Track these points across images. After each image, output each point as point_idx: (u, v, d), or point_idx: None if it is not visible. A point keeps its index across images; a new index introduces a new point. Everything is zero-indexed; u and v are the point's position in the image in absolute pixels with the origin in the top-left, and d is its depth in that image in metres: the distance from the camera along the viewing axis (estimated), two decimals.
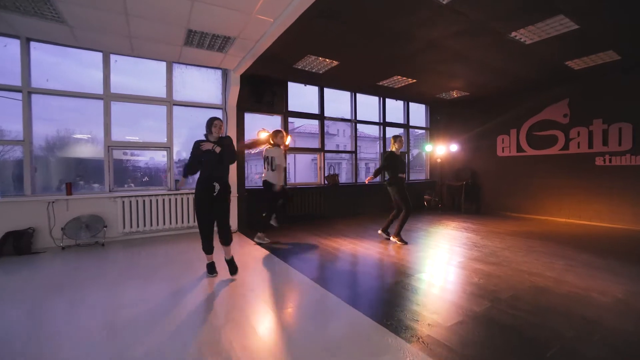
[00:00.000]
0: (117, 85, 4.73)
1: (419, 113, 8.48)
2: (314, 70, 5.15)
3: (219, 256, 3.12)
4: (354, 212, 6.92)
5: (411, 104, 8.10)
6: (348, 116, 7.21)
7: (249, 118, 5.95)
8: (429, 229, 5.40)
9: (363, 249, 4.04)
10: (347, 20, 3.45)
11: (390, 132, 7.92)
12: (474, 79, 5.66)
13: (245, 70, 4.96)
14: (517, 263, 3.35)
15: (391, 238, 4.40)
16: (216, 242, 3.02)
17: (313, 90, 6.69)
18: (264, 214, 4.53)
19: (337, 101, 7.43)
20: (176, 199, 5.00)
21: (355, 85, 6.50)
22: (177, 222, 5.00)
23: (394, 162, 4.28)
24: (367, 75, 5.53)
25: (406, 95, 7.40)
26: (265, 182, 4.40)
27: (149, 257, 3.80)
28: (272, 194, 4.39)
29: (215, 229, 2.99)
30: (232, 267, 3.03)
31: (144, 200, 4.77)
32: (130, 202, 4.68)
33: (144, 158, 5.36)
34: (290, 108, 6.31)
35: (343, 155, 8.24)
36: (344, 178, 7.70)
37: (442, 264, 3.39)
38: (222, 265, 3.09)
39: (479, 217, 6.59)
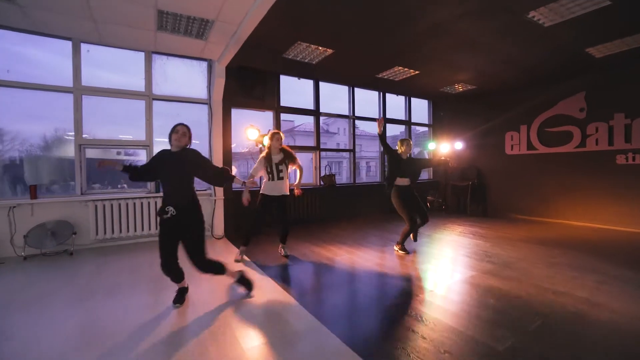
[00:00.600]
0: (95, 78, 4.29)
1: (421, 109, 7.99)
2: (306, 60, 4.68)
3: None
4: (352, 215, 6.45)
5: (413, 100, 7.62)
6: (346, 113, 6.75)
7: (238, 114, 5.49)
8: (433, 234, 4.93)
9: (361, 260, 3.57)
10: None
11: (391, 129, 7.45)
12: (483, 69, 5.17)
13: (231, 62, 4.50)
14: (538, 278, 2.88)
15: (394, 247, 3.95)
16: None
17: (308, 85, 6.23)
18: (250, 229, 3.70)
19: (335, 98, 6.98)
20: (156, 202, 4.56)
21: (352, 77, 6.02)
22: (157, 228, 4.56)
23: (393, 164, 3.80)
24: (366, 65, 5.05)
25: (408, 90, 6.92)
26: (284, 197, 3.58)
27: (123, 268, 3.36)
28: (285, 209, 3.66)
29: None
30: (247, 284, 2.61)
31: (119, 204, 4.33)
32: (104, 205, 4.24)
33: (141, 158, 4.89)
34: (284, 103, 5.85)
35: (344, 154, 7.78)
36: (344, 178, 7.25)
37: (450, 279, 2.91)
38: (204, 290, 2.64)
39: (487, 220, 6.11)
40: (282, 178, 3.48)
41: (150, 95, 4.66)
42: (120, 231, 4.34)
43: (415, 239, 4.06)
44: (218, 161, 4.94)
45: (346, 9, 3.23)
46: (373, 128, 7.74)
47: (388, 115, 7.22)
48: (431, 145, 7.53)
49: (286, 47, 4.16)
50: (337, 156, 18.97)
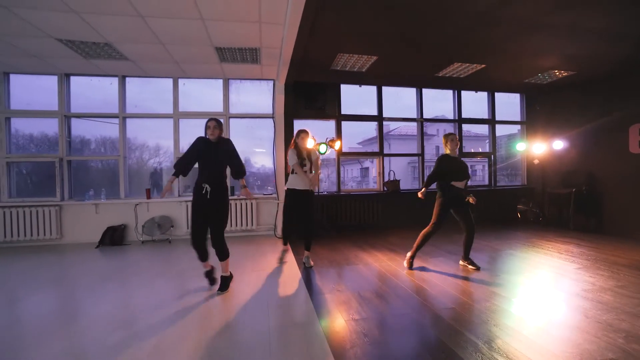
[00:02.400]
0: (194, 104, 5.53)
1: (510, 105, 6.91)
2: (355, 69, 4.80)
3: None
4: (418, 223, 6.08)
5: (498, 95, 6.67)
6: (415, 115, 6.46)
7: (302, 125, 5.97)
8: (520, 252, 4.10)
9: (419, 278, 3.16)
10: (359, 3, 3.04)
11: (467, 130, 6.70)
12: (574, 51, 4.19)
13: (288, 78, 5.02)
14: None
15: (460, 262, 3.54)
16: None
17: (372, 90, 6.25)
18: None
19: (404, 98, 6.75)
20: (240, 204, 5.41)
21: (412, 79, 5.75)
22: (238, 225, 5.41)
23: (445, 167, 3.40)
24: (418, 67, 4.80)
25: (485, 85, 6.13)
26: (311, 193, 3.62)
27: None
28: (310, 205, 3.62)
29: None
30: (222, 285, 2.84)
31: None
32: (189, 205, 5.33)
33: (257, 165, 6.10)
34: (348, 111, 6.06)
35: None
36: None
37: (544, 322, 2.17)
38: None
39: (598, 239, 4.82)
40: (305, 172, 3.54)
41: (227, 114, 5.61)
42: None
43: (411, 265, 3.45)
44: (281, 170, 5.49)
45: (378, 15, 3.24)
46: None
47: (469, 114, 6.56)
48: (520, 146, 6.42)
49: (330, 60, 4.39)
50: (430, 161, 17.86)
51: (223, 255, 2.81)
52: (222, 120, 2.96)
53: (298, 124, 5.92)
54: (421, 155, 6.51)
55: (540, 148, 6.24)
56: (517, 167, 7.22)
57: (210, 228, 2.77)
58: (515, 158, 7.10)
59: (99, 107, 5.27)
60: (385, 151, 6.54)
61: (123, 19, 3.09)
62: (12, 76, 5.06)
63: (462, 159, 3.61)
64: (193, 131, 5.54)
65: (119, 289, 3.02)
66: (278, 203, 5.50)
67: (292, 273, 3.41)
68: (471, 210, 3.44)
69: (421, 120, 6.46)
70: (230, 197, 2.91)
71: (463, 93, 6.55)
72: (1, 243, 4.85)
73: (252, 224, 5.51)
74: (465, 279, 3.09)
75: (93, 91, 5.30)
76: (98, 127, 5.37)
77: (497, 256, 3.94)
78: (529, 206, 6.35)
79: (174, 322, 2.28)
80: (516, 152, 6.68)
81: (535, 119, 6.72)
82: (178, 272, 3.50)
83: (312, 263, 3.64)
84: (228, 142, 2.89)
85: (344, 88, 6.07)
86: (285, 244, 3.85)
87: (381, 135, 6.35)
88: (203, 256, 2.84)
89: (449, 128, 7.03)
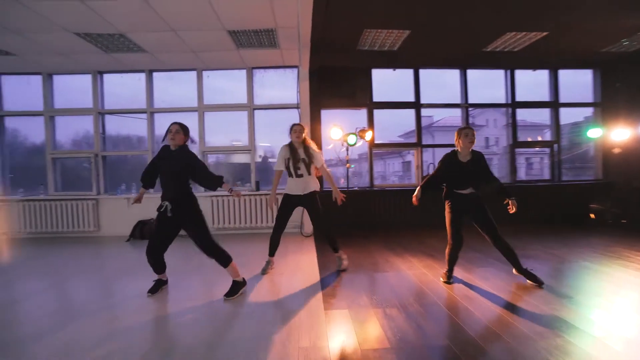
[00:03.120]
0: (220, 97, 5.40)
1: (577, 86, 5.77)
2: (386, 48, 4.22)
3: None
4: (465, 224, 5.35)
5: (563, 73, 5.60)
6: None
7: (331, 115, 5.55)
8: (597, 265, 3.18)
9: (461, 294, 2.53)
10: None
11: (523, 115, 5.73)
12: None
13: (313, 64, 4.62)
14: None
15: (514, 271, 2.74)
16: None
17: (408, 74, 5.59)
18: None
19: (446, 85, 5.98)
20: (259, 200, 5.19)
21: (452, 59, 4.99)
22: (257, 222, 5.20)
23: (444, 170, 2.74)
24: (457, 41, 4.06)
25: (546, 60, 5.13)
26: (311, 196, 3.13)
27: (234, 254, 4.02)
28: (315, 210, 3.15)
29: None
30: (231, 290, 2.54)
31: (228, 200, 5.20)
32: (218, 201, 5.20)
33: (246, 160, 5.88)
34: (382, 98, 5.49)
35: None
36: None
37: None
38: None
39: None
40: (301, 175, 3.01)
41: (252, 105, 5.36)
42: (231, 222, 5.20)
43: (449, 278, 2.78)
44: None
45: None
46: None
47: (526, 97, 5.61)
48: (594, 132, 5.30)
49: (355, 38, 3.87)
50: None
51: (223, 261, 2.51)
52: (186, 125, 2.58)
53: (326, 114, 5.50)
54: None
55: (622, 134, 5.09)
56: (585, 158, 6.05)
57: (193, 239, 2.50)
58: (582, 148, 5.95)
59: (129, 104, 5.34)
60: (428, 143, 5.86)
61: (128, 3, 2.91)
62: (54, 77, 5.32)
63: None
64: (220, 124, 5.43)
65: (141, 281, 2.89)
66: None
67: (311, 277, 3.02)
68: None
69: (465, 106, 5.65)
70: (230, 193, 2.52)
71: (517, 74, 5.59)
72: (47, 233, 5.16)
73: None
74: (523, 298, 2.45)
75: (123, 88, 5.39)
76: (129, 123, 5.46)
77: (564, 269, 3.15)
78: (607, 205, 5.24)
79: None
80: (586, 140, 5.57)
81: (614, 99, 5.51)
82: (193, 270, 3.31)
83: (344, 265, 3.17)
84: (190, 156, 2.47)
85: (376, 73, 5.50)
86: (271, 254, 3.21)
87: (419, 124, 5.67)
88: (158, 269, 2.63)
89: (500, 117, 6.08)
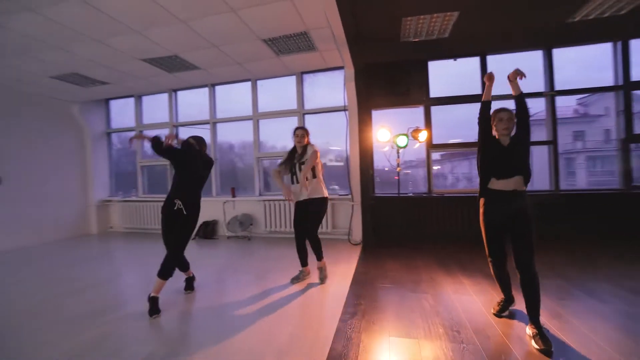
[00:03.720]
0: (274, 104, 5.62)
1: None
2: (434, 37, 3.69)
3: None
4: (538, 235, 4.36)
5: None
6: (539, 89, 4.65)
7: (382, 116, 5.20)
8: None
9: (517, 337, 1.94)
10: None
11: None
12: None
13: (359, 61, 4.38)
14: None
15: (527, 329, 1.98)
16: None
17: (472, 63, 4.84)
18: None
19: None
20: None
21: (527, 37, 4.07)
22: None
23: (485, 155, 2.16)
24: (526, 14, 3.24)
25: None
26: (310, 202, 3.01)
27: (274, 255, 4.22)
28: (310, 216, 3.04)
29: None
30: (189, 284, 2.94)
31: (279, 204, 5.33)
32: (270, 205, 5.38)
33: (331, 163, 6.00)
34: (443, 93, 4.90)
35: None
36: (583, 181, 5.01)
37: None
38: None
39: None
40: (299, 181, 2.93)
41: (301, 110, 5.39)
42: (283, 226, 5.33)
43: (501, 311, 2.23)
44: (355, 168, 4.88)
45: None
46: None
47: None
48: None
49: (396, 30, 3.48)
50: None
51: (181, 268, 2.90)
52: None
53: (377, 115, 5.17)
54: (553, 142, 4.62)
55: None
56: None
57: (173, 238, 2.65)
58: None
59: (197, 116, 5.98)
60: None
61: (171, 28, 3.22)
62: (143, 98, 6.32)
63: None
64: (274, 130, 5.63)
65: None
66: (352, 205, 4.93)
67: (335, 296, 2.82)
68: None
69: (551, 94, 4.58)
70: None
71: (633, 45, 4.27)
72: (138, 229, 6.16)
73: (327, 227, 5.13)
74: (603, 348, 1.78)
75: (194, 102, 6.05)
76: (197, 133, 6.09)
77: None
78: None
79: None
80: None
81: None
82: (263, 268, 3.47)
83: (324, 277, 3.11)
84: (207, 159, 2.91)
85: (435, 65, 4.91)
86: (303, 264, 3.15)
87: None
88: (183, 267, 2.91)
89: (610, 102, 4.69)
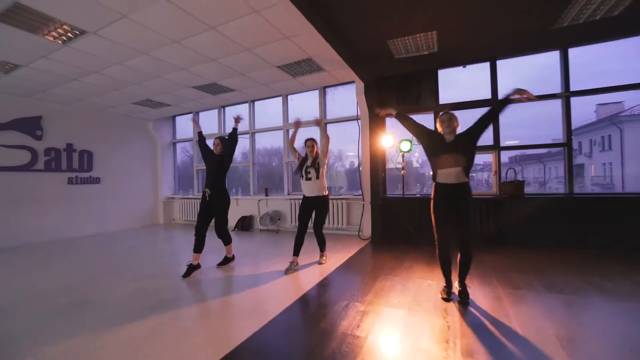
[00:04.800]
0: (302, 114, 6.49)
1: None
2: (426, 52, 4.10)
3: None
4: (552, 240, 4.35)
5: None
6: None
7: (395, 122, 5.63)
8: None
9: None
10: None
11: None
12: None
13: (367, 77, 4.96)
14: None
15: (455, 284, 2.67)
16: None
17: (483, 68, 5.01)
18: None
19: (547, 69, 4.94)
20: (330, 203, 5.88)
21: (522, 41, 4.16)
22: (330, 223, 5.88)
23: (428, 153, 2.66)
24: (514, 20, 3.42)
25: None
26: (317, 199, 3.65)
27: (289, 246, 5.02)
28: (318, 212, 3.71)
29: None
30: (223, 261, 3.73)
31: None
32: (295, 203, 6.20)
33: (347, 166, 6.77)
34: (456, 99, 5.17)
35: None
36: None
37: None
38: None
39: None
40: (310, 179, 3.57)
41: (323, 120, 6.11)
42: None
43: (447, 295, 2.60)
44: (366, 171, 5.43)
45: None
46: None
47: None
48: None
49: (386, 51, 3.99)
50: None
51: (226, 242, 3.69)
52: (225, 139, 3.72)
53: (391, 122, 5.62)
54: (567, 145, 4.56)
55: None
56: None
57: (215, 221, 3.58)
58: None
59: (240, 127, 7.10)
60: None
61: (210, 64, 4.25)
62: (201, 114, 7.71)
63: None
64: (300, 140, 6.43)
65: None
66: (364, 204, 5.47)
67: (320, 274, 3.45)
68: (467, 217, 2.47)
69: (566, 95, 4.54)
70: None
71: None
72: (193, 221, 7.52)
73: (342, 224, 5.75)
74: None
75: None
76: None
77: None
78: None
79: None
80: None
81: None
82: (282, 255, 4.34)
83: (323, 261, 3.81)
84: (222, 154, 3.69)
85: (445, 73, 5.20)
86: (295, 254, 3.60)
87: (497, 123, 4.95)
88: (199, 247, 3.48)
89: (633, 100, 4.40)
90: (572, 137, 4.60)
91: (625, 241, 4.00)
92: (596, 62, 4.36)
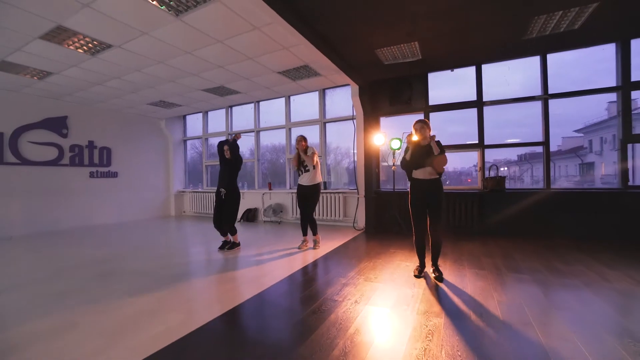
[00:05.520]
0: (303, 115, 6.97)
1: None
2: (414, 59, 4.51)
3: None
4: (531, 232, 4.75)
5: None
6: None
7: (389, 122, 6.07)
8: None
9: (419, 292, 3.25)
10: None
11: None
12: None
13: (360, 81, 5.39)
14: None
15: (430, 270, 3.12)
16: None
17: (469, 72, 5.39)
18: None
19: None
20: (330, 197, 6.38)
21: (507, 48, 4.54)
22: (326, 215, 6.36)
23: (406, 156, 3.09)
24: (487, 32, 3.82)
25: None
26: (310, 188, 4.18)
27: (296, 235, 5.53)
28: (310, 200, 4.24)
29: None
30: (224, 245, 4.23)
31: None
32: (294, 196, 6.69)
33: (344, 163, 7.23)
34: (444, 100, 5.57)
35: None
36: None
37: None
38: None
39: None
40: (308, 170, 4.11)
41: (322, 120, 6.58)
42: None
43: (419, 272, 3.07)
44: (361, 167, 5.88)
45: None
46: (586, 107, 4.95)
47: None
48: None
49: (375, 59, 4.42)
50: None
51: (232, 232, 4.19)
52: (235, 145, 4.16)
53: (385, 121, 6.06)
54: (545, 144, 4.93)
55: None
56: None
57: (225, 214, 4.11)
58: None
59: (245, 125, 7.62)
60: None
61: (217, 70, 4.75)
62: (233, 109, 8.25)
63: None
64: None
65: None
66: (358, 198, 5.94)
67: (313, 255, 3.94)
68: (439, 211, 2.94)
69: (544, 97, 4.90)
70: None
71: (634, 45, 4.40)
72: (202, 214, 8.09)
73: (339, 216, 6.23)
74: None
75: (243, 116, 7.72)
76: (245, 139, 7.77)
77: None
78: None
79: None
80: None
81: None
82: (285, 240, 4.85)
83: (317, 246, 4.31)
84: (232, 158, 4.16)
85: (435, 76, 5.60)
86: (304, 234, 4.30)
87: (481, 123, 5.34)
88: (223, 233, 4.22)
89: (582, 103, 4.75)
90: (583, 135, 4.95)
91: (599, 232, 4.40)
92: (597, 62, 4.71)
